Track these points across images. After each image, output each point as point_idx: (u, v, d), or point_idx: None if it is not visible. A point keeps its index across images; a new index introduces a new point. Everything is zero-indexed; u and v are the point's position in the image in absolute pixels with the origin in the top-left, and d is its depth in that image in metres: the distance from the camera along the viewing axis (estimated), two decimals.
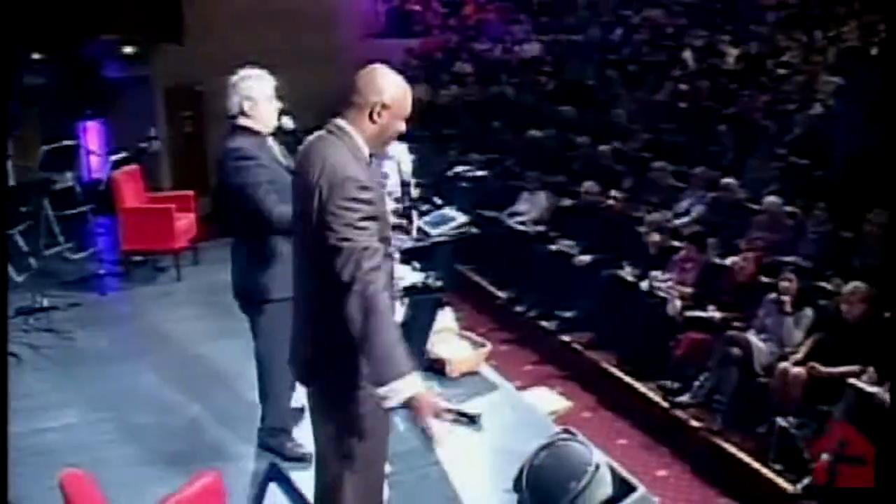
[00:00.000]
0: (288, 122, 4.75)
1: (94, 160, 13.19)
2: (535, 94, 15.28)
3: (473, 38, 19.13)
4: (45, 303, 7.69)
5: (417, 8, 19.80)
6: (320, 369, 3.29)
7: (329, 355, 3.22)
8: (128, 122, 13.42)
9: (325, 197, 3.03)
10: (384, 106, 3.18)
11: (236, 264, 4.79)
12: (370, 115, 3.19)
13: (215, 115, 14.76)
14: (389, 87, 3.21)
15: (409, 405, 2.94)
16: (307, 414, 5.02)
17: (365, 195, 3.07)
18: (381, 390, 2.91)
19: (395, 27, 19.18)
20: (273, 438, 5.01)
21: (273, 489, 4.24)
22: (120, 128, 13.76)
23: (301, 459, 4.86)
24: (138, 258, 9.14)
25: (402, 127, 3.30)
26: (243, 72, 4.69)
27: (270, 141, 4.77)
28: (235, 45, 14.32)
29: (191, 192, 9.63)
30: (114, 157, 9.21)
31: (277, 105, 4.72)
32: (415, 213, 5.20)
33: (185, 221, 9.05)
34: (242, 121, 4.63)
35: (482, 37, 19.03)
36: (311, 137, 3.31)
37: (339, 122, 3.23)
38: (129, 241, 8.90)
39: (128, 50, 13.60)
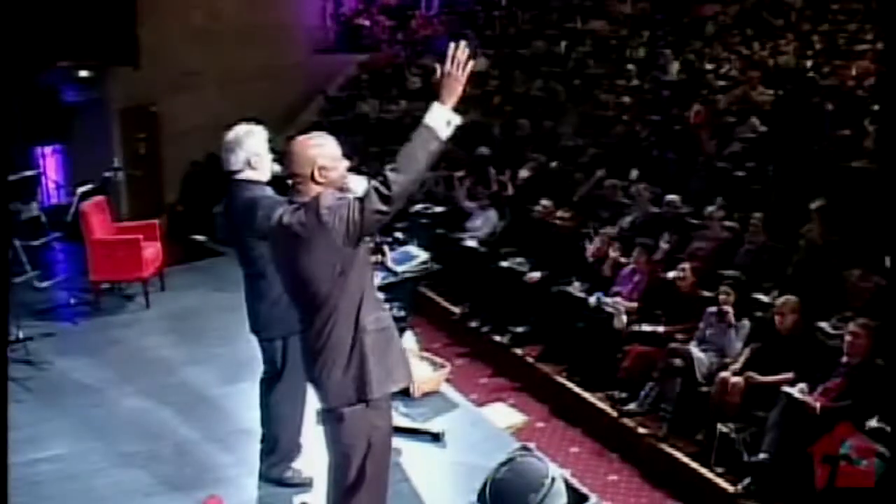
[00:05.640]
0: (276, 168, 4.94)
1: (52, 184, 13.28)
2: (483, 109, 15.26)
3: (421, 52, 19.33)
4: (21, 334, 7.67)
5: (366, 23, 20.05)
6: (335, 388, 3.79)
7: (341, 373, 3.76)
8: (86, 146, 13.45)
9: (352, 220, 3.54)
10: (321, 168, 3.68)
11: (259, 303, 4.91)
12: (313, 179, 3.68)
13: (170, 136, 15.09)
14: (314, 152, 3.70)
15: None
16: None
17: None
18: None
19: (345, 42, 19.45)
20: (276, 469, 5.20)
21: None
22: (78, 152, 13.74)
23: (303, 485, 5.16)
24: (106, 286, 9.15)
25: (346, 163, 3.82)
26: (242, 128, 4.94)
27: None
28: (190, 63, 14.54)
29: (155, 222, 9.76)
30: (81, 189, 9.32)
31: (271, 155, 4.98)
32: (386, 248, 5.66)
33: (152, 250, 9.15)
34: (249, 174, 4.87)
35: (429, 51, 19.32)
36: (285, 218, 3.72)
37: (301, 197, 3.70)
38: (98, 272, 8.92)
39: (83, 73, 13.50)
